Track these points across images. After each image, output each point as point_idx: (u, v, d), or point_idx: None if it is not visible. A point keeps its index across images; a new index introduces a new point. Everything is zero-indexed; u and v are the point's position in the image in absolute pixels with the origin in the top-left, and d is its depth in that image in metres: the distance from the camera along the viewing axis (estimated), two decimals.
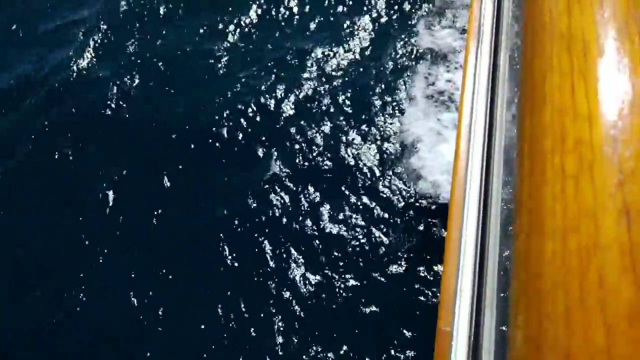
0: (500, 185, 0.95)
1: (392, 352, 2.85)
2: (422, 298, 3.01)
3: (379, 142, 3.71)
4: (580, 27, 0.77)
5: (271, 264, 3.23)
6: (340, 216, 3.38)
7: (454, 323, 0.85)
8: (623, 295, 0.57)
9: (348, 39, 4.40)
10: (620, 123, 0.67)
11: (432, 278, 3.05)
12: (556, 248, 0.65)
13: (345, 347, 2.90)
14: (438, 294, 2.95)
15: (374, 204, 3.40)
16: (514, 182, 0.81)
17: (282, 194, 3.53)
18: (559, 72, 0.76)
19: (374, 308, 3.01)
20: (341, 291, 3.09)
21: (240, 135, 3.86)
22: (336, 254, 3.22)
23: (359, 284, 3.10)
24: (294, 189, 3.54)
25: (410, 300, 2.99)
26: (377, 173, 3.55)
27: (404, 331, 2.90)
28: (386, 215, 3.34)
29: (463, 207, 0.91)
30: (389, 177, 3.52)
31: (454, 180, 0.96)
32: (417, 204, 3.34)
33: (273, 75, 4.21)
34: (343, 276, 3.14)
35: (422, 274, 3.07)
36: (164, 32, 4.67)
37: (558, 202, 0.68)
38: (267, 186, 3.56)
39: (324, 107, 3.97)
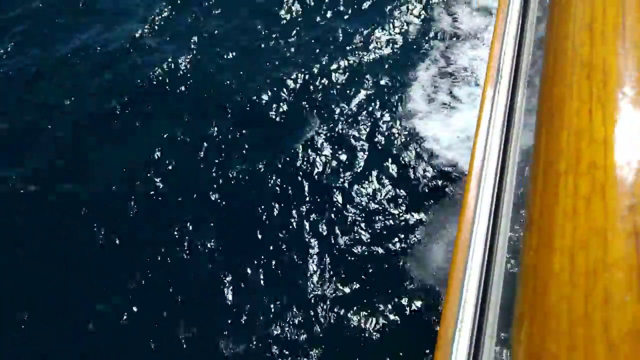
0: (510, 207, 0.95)
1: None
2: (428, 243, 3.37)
3: (400, 112, 4.19)
4: (601, 57, 0.79)
5: (302, 213, 3.64)
6: (362, 172, 3.83)
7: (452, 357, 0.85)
8: (627, 314, 0.58)
9: (379, 21, 4.90)
10: (635, 149, 0.69)
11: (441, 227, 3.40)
12: (564, 264, 0.66)
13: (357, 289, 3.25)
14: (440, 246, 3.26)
15: (391, 162, 3.88)
16: (526, 202, 0.82)
17: (316, 155, 4.00)
18: (578, 98, 0.78)
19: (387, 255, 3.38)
20: (362, 237, 3.47)
21: (282, 104, 4.32)
22: (358, 202, 3.68)
23: (379, 231, 3.50)
24: (330, 150, 4.03)
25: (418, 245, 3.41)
26: (396, 137, 4.05)
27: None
28: (399, 171, 3.84)
29: (470, 240, 0.91)
30: (406, 140, 3.99)
31: (464, 204, 0.97)
32: (428, 162, 3.83)
33: (310, 52, 4.71)
34: (366, 224, 3.53)
35: (430, 228, 3.46)
36: (217, 8, 5.15)
37: (569, 220, 0.69)
38: (304, 148, 4.02)
39: (350, 82, 4.47)
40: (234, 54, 4.76)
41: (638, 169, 0.67)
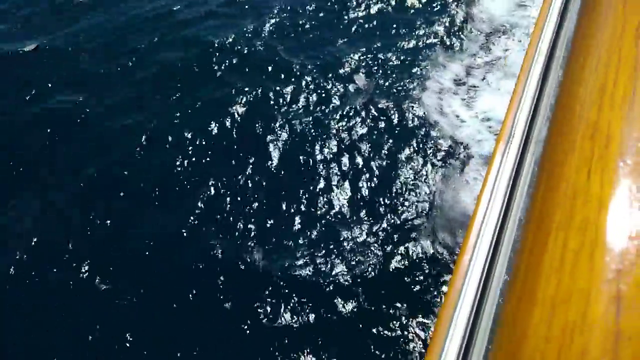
0: (507, 255, 0.96)
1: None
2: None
3: (432, 91, 4.77)
4: (607, 121, 0.80)
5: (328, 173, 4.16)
6: (392, 136, 4.37)
7: None
8: None
9: (427, 17, 5.65)
10: (628, 215, 0.69)
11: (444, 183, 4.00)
12: (544, 317, 0.66)
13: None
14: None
15: (415, 128, 4.44)
16: (517, 251, 0.83)
17: (356, 116, 4.57)
18: (580, 157, 0.79)
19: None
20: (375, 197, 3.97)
21: (337, 75, 4.97)
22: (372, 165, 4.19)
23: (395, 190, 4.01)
24: (370, 115, 4.57)
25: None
26: (423, 110, 4.55)
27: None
28: (421, 137, 4.36)
29: (462, 284, 0.91)
30: (431, 114, 4.52)
31: (463, 247, 0.97)
32: (446, 133, 4.36)
33: (369, 35, 5.45)
34: (390, 176, 4.09)
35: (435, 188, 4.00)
36: None
37: (554, 274, 0.69)
38: (342, 116, 4.56)
39: (397, 63, 5.11)
40: (297, 30, 5.53)
41: (629, 235, 0.67)
